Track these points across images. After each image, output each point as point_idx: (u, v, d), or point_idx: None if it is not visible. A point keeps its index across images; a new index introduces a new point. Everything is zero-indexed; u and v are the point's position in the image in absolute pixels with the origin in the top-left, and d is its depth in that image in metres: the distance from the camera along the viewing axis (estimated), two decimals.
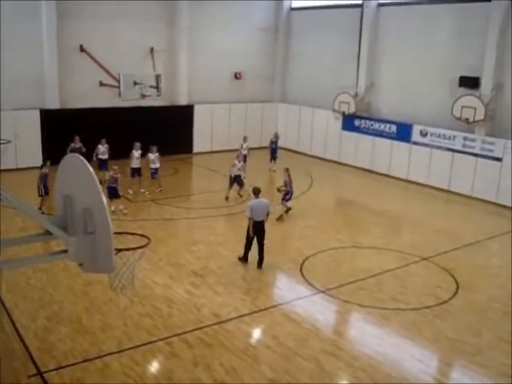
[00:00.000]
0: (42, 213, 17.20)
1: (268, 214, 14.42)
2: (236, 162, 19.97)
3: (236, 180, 20.19)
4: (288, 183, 18.34)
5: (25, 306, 11.83)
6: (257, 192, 14.65)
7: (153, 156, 20.86)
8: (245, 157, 23.42)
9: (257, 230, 14.26)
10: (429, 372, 10.05)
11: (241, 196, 20.21)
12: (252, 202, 14.52)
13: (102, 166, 21.27)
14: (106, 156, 21.52)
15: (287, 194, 18.33)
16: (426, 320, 11.94)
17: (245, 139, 24.13)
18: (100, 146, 21.47)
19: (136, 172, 20.74)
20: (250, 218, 14.22)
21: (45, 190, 17.83)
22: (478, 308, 12.64)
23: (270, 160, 25.56)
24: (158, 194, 20.65)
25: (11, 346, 10.20)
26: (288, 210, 18.41)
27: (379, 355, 10.38)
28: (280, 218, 17.94)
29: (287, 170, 18.63)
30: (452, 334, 11.35)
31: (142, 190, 20.84)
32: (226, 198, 20.03)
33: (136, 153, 20.55)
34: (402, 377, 9.76)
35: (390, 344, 10.95)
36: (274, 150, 25.81)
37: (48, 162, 18.12)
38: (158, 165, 21.03)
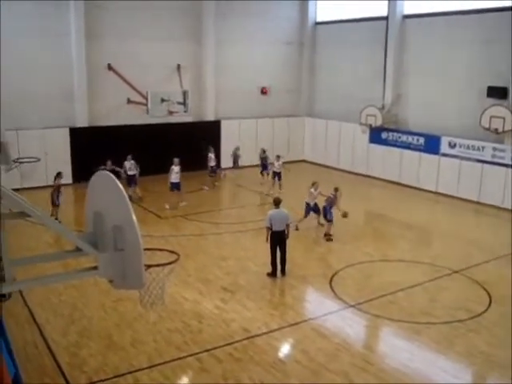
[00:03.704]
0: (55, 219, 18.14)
1: (288, 225, 14.58)
2: (312, 190, 18.43)
3: (313, 209, 18.66)
4: (331, 201, 17.92)
5: (56, 322, 11.96)
6: (277, 202, 14.81)
7: (176, 169, 21.19)
8: (279, 174, 23.68)
9: (277, 240, 14.42)
10: None
11: (321, 225, 18.63)
12: (272, 212, 14.66)
13: (130, 181, 21.64)
14: (133, 172, 21.87)
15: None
16: (458, 334, 11.77)
17: (278, 158, 23.93)
18: (126, 163, 21.81)
19: (174, 186, 21.20)
20: (267, 228, 14.49)
21: (58, 200, 18.77)
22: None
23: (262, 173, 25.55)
24: (188, 209, 20.80)
25: (42, 361, 10.30)
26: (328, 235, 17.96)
27: (410, 370, 10.25)
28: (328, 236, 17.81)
29: (337, 189, 18.12)
30: (485, 347, 11.15)
31: (182, 204, 21.15)
32: (297, 228, 18.09)
33: (175, 168, 20.96)
34: None
35: (422, 358, 10.80)
36: (265, 166, 25.56)
37: (62, 173, 19.37)
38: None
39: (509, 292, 14.11)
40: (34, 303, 12.61)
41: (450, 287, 14.34)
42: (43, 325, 11.72)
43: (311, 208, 18.41)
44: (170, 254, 7.51)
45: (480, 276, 14.84)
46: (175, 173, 21.14)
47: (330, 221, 17.83)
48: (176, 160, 21.12)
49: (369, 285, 14.39)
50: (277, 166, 23.81)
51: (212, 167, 25.22)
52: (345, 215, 17.75)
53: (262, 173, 25.56)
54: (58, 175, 19.26)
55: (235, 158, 26.36)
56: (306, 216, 18.42)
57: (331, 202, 17.88)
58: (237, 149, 26.44)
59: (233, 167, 26.45)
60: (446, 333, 11.80)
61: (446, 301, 13.43)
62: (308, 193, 18.46)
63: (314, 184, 18.31)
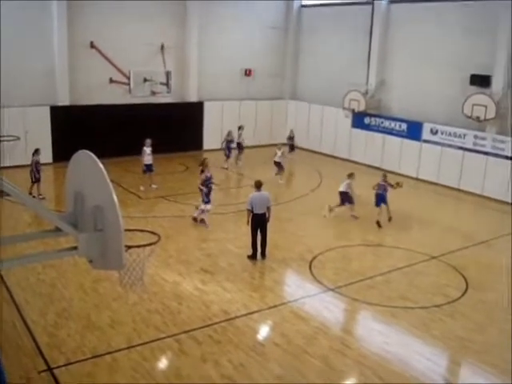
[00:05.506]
0: (33, 197, 18.21)
1: (269, 208, 14.59)
2: (349, 181, 18.55)
3: (345, 197, 18.61)
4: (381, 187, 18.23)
5: (34, 302, 11.90)
6: (258, 185, 14.72)
7: (148, 150, 20.77)
8: (279, 164, 23.00)
9: (258, 223, 14.46)
10: (437, 370, 10.01)
11: (355, 217, 18.64)
12: (253, 194, 14.62)
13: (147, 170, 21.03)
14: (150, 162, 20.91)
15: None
16: (435, 318, 11.91)
17: (279, 148, 23.14)
18: (145, 148, 20.88)
19: (148, 168, 20.85)
20: (248, 210, 14.52)
21: (38, 175, 18.85)
22: (487, 307, 12.59)
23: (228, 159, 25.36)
24: (169, 191, 20.71)
25: (21, 341, 10.26)
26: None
27: (388, 353, 10.36)
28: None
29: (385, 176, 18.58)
30: (461, 332, 11.32)
31: (154, 186, 20.92)
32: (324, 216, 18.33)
33: (147, 149, 20.60)
34: (410, 375, 9.73)
35: (399, 342, 10.92)
36: (229, 149, 25.36)
37: (39, 150, 19.33)
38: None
39: (485, 278, 14.33)
40: (13, 283, 12.52)
41: (428, 272, 14.48)
42: (22, 305, 11.65)
43: (347, 198, 18.41)
44: (150, 235, 7.51)
45: (458, 262, 15.01)
46: (147, 154, 20.66)
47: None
48: (148, 141, 20.65)
49: (348, 269, 14.50)
50: (279, 154, 22.97)
51: (240, 144, 25.76)
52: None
53: (228, 156, 25.27)
54: (36, 152, 19.19)
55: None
56: (341, 204, 18.52)
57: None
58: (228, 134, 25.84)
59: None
60: (424, 317, 11.94)
61: (423, 286, 13.56)
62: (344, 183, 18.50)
63: (350, 175, 18.62)
